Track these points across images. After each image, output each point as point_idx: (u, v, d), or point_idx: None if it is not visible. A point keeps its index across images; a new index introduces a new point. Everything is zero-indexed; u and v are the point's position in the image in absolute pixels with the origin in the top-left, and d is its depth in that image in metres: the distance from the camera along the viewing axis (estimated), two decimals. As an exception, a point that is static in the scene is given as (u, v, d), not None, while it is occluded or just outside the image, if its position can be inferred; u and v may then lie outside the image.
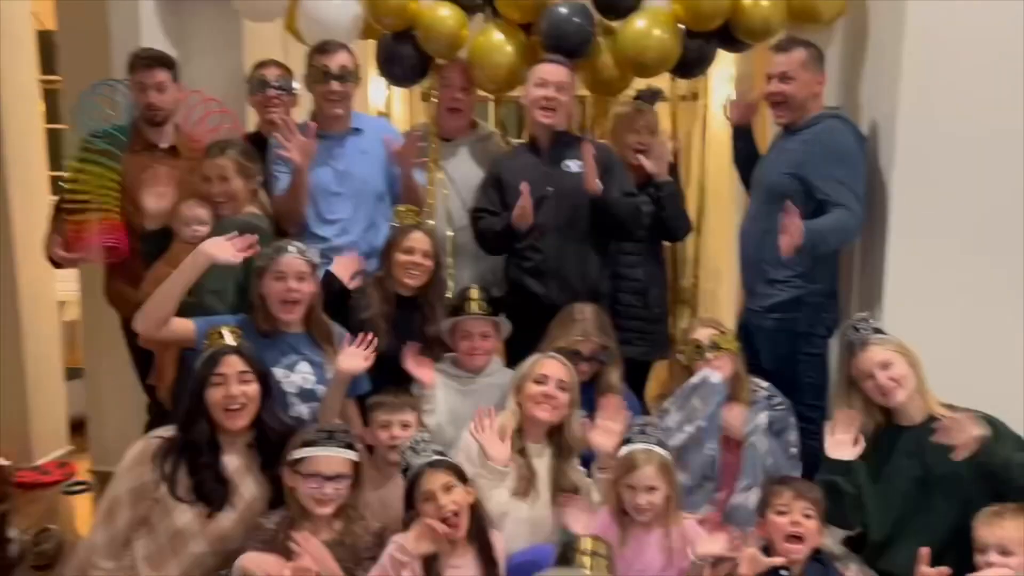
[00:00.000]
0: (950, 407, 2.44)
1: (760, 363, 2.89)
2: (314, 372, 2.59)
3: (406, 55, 3.25)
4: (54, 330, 4.24)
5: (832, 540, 2.63)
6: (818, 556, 2.23)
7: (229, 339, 2.31)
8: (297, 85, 3.24)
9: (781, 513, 2.18)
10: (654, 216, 3.19)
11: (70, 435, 4.28)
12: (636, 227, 3.06)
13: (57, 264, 3.14)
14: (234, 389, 2.23)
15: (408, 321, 2.87)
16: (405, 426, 2.51)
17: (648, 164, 3.14)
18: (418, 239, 2.84)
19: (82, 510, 3.63)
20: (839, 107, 3.00)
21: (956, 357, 2.63)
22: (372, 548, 2.17)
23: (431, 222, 3.11)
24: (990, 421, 2.37)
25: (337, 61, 3.00)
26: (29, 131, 4.04)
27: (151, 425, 2.96)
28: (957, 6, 2.72)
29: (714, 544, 2.21)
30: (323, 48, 3.04)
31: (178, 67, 3.10)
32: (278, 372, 2.52)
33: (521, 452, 2.48)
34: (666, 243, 3.47)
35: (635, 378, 3.07)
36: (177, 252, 2.76)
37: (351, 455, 2.21)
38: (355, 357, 2.53)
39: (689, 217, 3.46)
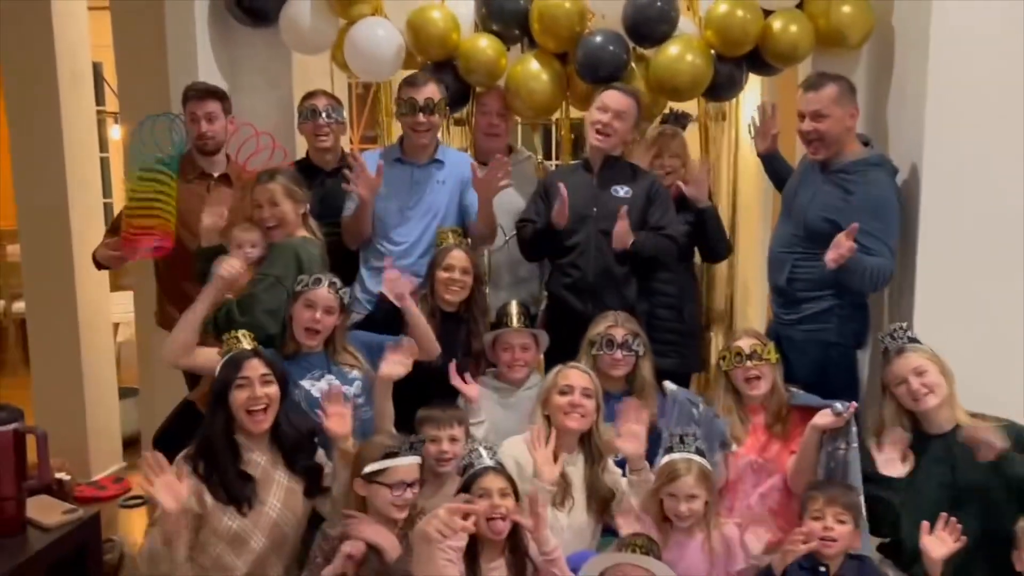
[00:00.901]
0: (979, 416, 2.52)
1: (792, 374, 2.97)
2: (338, 378, 2.71)
3: (447, 84, 3.36)
4: (109, 351, 4.42)
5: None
6: (856, 556, 2.31)
7: (245, 343, 2.46)
8: (345, 114, 3.40)
9: (816, 519, 2.27)
10: (695, 238, 3.32)
11: (124, 452, 4.46)
12: (668, 258, 3.17)
13: (100, 265, 3.31)
14: (258, 391, 2.36)
15: (453, 335, 2.99)
16: (453, 440, 2.60)
17: (688, 190, 3.26)
18: (457, 257, 2.97)
19: (139, 523, 3.77)
20: (869, 137, 3.04)
21: (984, 370, 2.69)
22: None
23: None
24: (1019, 431, 2.46)
25: (424, 94, 3.10)
26: (87, 160, 4.25)
27: (165, 437, 3.06)
28: (980, 32, 2.82)
29: (761, 541, 2.32)
30: (412, 81, 3.16)
31: (230, 99, 3.26)
32: (304, 384, 2.66)
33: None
34: (699, 262, 3.57)
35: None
36: None
37: (420, 460, 2.34)
38: (395, 364, 2.64)
39: (728, 238, 3.56)
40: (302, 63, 3.69)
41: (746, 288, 4.45)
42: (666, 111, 3.49)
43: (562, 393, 2.62)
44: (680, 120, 3.45)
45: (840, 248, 2.70)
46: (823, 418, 2.54)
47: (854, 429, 2.58)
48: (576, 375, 2.65)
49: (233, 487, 2.33)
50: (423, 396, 2.81)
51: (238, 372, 2.37)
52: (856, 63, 3.28)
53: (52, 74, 4.00)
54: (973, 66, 2.83)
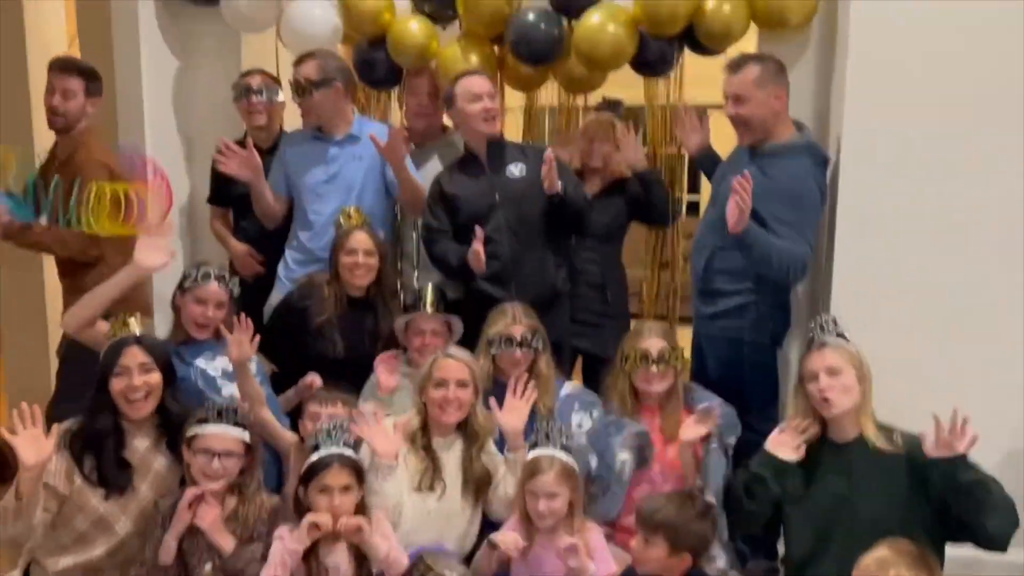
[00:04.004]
0: (888, 429, 2.35)
1: (706, 372, 2.88)
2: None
3: (379, 61, 3.36)
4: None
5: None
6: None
7: (134, 326, 2.42)
8: (281, 93, 3.39)
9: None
10: (640, 206, 3.28)
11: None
12: (588, 216, 3.10)
13: None
14: (136, 380, 2.32)
15: (361, 321, 2.98)
16: (332, 418, 2.55)
17: (625, 157, 3.23)
18: (359, 239, 2.93)
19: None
20: (804, 127, 2.89)
21: (902, 371, 2.56)
22: (267, 523, 2.29)
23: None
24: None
25: (302, 72, 3.11)
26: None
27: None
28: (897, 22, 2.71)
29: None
30: (297, 60, 3.17)
31: (100, 81, 3.21)
32: (200, 363, 2.68)
33: (427, 447, 2.54)
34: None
35: (592, 374, 3.14)
36: None
37: (240, 434, 2.30)
38: (240, 345, 2.56)
39: (673, 203, 3.50)
40: (252, 40, 3.67)
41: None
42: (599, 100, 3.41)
43: (437, 386, 2.54)
44: (613, 107, 3.37)
45: (737, 195, 2.55)
46: (689, 432, 2.48)
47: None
48: (451, 365, 2.56)
49: (109, 474, 2.32)
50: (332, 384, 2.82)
51: (117, 360, 2.34)
52: (804, 45, 3.10)
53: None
54: (891, 54, 2.70)
